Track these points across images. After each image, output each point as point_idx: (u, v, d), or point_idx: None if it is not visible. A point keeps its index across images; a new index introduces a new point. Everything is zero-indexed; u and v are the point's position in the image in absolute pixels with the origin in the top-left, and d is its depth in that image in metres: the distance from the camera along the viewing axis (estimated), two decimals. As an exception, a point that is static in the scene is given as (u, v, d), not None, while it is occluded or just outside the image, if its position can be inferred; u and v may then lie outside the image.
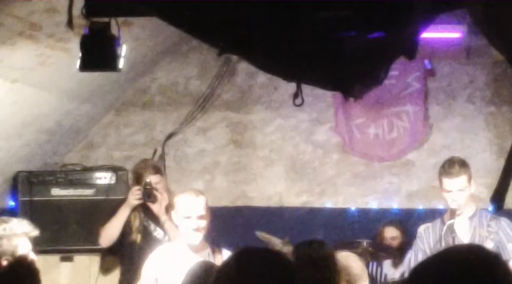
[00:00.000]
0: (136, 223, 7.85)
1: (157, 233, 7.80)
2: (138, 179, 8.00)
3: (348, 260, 6.38)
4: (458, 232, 6.76)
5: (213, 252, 6.48)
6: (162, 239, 7.64)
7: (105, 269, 8.73)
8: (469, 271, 2.71)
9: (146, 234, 7.68)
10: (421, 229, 7.19)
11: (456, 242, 6.58)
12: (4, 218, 6.13)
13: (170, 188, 9.61)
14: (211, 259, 6.20)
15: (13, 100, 7.61)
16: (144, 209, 7.82)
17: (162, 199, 7.75)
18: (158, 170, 8.12)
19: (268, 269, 2.89)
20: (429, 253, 6.62)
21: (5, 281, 5.03)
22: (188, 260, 6.05)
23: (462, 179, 6.85)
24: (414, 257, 6.92)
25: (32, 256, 5.64)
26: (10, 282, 5.04)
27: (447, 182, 6.81)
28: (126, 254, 7.90)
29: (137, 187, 7.82)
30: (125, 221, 7.87)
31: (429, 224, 7.17)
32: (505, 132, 9.21)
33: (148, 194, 7.73)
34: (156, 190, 7.74)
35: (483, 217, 6.92)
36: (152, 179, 7.88)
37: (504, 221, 6.91)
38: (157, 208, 7.73)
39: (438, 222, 7.04)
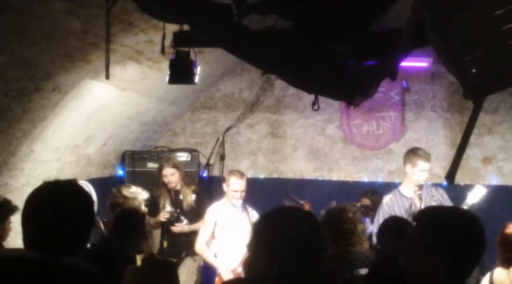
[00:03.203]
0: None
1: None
2: (160, 169, 7.78)
3: None
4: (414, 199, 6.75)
5: (244, 207, 7.21)
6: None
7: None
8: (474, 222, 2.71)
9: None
10: (386, 199, 6.89)
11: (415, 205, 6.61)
12: (127, 184, 6.94)
13: (227, 164, 9.69)
14: (245, 212, 7.18)
15: (123, 102, 7.65)
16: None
17: (178, 228, 7.55)
18: (174, 165, 7.74)
19: (299, 222, 2.70)
20: (396, 214, 6.57)
21: (131, 217, 5.39)
22: (231, 211, 7.14)
23: (430, 163, 6.80)
24: (382, 219, 6.54)
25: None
26: (133, 218, 5.38)
27: (424, 164, 6.70)
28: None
29: (168, 210, 7.59)
30: (159, 228, 7.80)
31: (391, 195, 6.90)
32: (456, 132, 9.13)
33: (171, 221, 7.53)
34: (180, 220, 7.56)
35: (428, 188, 6.85)
36: (168, 171, 7.65)
37: (440, 188, 6.87)
38: (173, 230, 7.54)
39: (396, 192, 6.88)
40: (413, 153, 6.81)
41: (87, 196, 2.90)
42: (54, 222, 2.73)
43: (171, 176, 7.68)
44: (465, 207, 6.55)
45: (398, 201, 6.82)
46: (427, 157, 6.75)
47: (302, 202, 8.03)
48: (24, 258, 2.73)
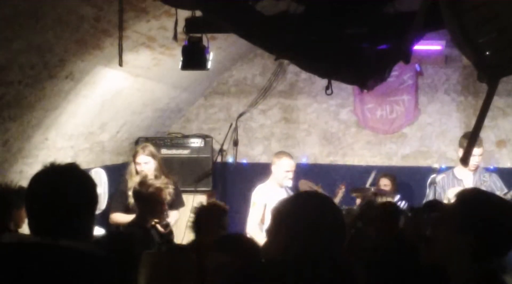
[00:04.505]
0: None
1: None
2: (134, 156, 7.11)
3: None
4: (465, 181, 7.11)
5: (286, 191, 7.30)
6: None
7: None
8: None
9: None
10: (439, 178, 7.27)
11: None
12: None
13: (240, 149, 9.72)
14: (286, 193, 7.11)
15: (137, 89, 7.66)
16: None
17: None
18: (150, 153, 6.99)
19: (319, 207, 2.70)
20: (446, 192, 7.01)
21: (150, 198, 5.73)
22: (278, 194, 7.06)
23: (481, 149, 7.06)
24: (432, 196, 7.05)
25: None
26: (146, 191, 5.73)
27: (474, 150, 6.78)
28: None
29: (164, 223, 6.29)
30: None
31: (444, 175, 7.30)
32: (470, 115, 9.10)
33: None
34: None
35: (482, 173, 7.09)
36: (142, 159, 6.94)
37: (494, 175, 7.10)
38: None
39: (450, 173, 7.28)
40: (465, 137, 7.02)
41: (87, 177, 2.83)
42: (52, 205, 2.67)
43: (144, 164, 6.96)
44: None
45: (450, 181, 7.17)
46: (478, 143, 6.86)
47: (315, 186, 8.06)
48: (20, 242, 2.69)
